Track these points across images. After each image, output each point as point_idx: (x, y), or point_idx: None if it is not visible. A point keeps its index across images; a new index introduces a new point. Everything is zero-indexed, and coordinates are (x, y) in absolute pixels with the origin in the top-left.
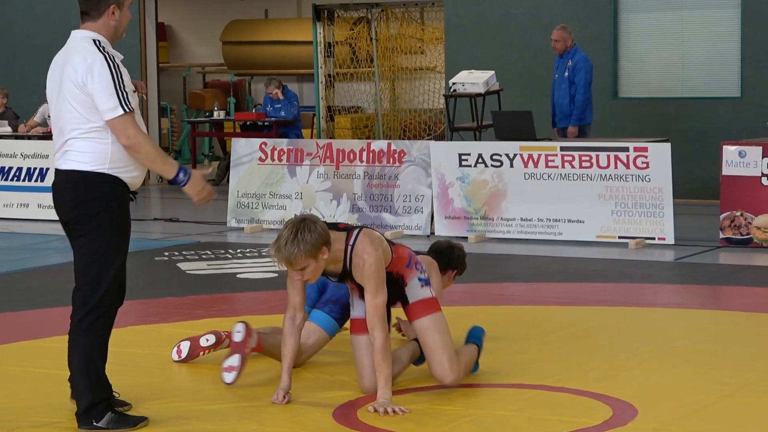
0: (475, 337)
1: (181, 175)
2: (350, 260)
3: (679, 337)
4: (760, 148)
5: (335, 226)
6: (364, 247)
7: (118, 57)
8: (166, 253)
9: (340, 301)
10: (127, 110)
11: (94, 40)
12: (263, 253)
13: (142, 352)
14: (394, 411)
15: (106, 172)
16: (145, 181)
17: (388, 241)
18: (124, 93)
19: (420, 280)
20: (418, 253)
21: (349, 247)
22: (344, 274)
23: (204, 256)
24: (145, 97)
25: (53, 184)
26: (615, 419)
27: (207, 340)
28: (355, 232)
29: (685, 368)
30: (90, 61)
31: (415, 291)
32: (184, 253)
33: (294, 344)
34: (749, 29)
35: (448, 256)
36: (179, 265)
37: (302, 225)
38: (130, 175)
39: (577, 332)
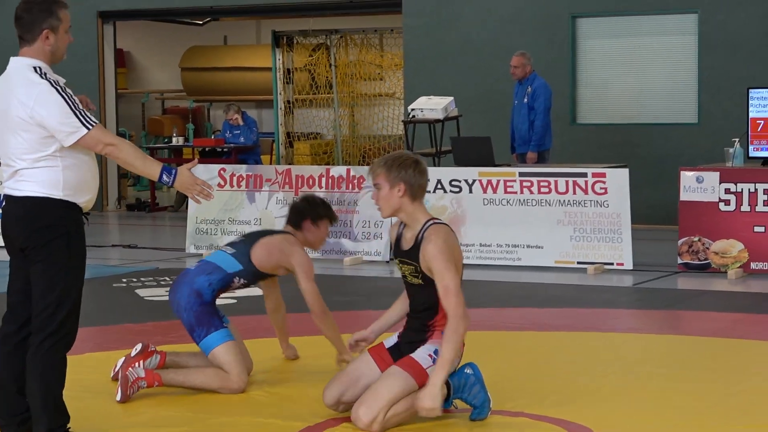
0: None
1: (165, 176)
2: (422, 236)
3: (638, 362)
4: (718, 173)
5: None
6: (437, 231)
7: (61, 81)
8: (125, 280)
9: None
10: (91, 126)
11: (35, 67)
12: None
13: (101, 379)
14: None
15: (60, 198)
16: (103, 206)
17: None
18: (81, 111)
19: (435, 352)
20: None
21: (428, 223)
22: (415, 247)
23: (162, 282)
24: (94, 108)
25: (4, 211)
26: None
27: (135, 349)
28: (439, 220)
29: (644, 393)
30: (36, 92)
31: (424, 352)
32: (142, 279)
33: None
34: (706, 56)
35: (311, 208)
36: (138, 291)
37: (404, 157)
38: (84, 199)
39: (536, 357)
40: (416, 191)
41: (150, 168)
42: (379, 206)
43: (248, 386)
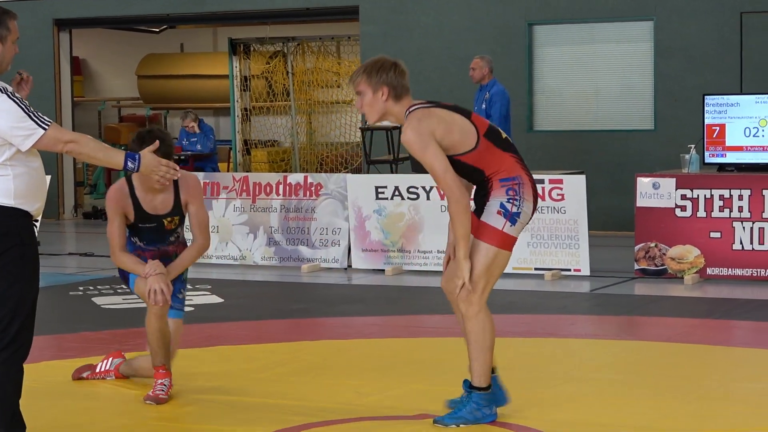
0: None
1: (129, 164)
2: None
3: (595, 368)
4: (674, 179)
5: (444, 104)
6: (409, 119)
7: (9, 88)
8: (81, 288)
9: None
10: (47, 126)
11: None
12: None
13: (58, 388)
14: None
15: (12, 206)
16: (59, 214)
17: (498, 141)
18: (34, 114)
19: (502, 206)
20: None
21: (406, 113)
22: None
23: (119, 291)
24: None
25: None
26: None
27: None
28: (418, 104)
29: (602, 399)
30: None
31: (491, 211)
32: (99, 287)
33: None
34: (661, 63)
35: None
36: (94, 299)
37: (382, 61)
38: (35, 206)
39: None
40: (400, 92)
41: (114, 158)
42: (364, 112)
43: (209, 393)
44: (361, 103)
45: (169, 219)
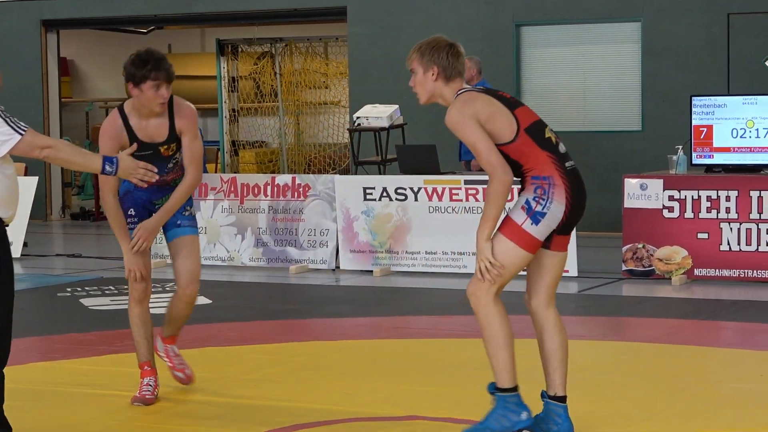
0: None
1: (107, 167)
2: None
3: (583, 369)
4: (661, 180)
5: (494, 92)
6: (453, 104)
7: None
8: (69, 289)
9: None
10: (23, 131)
11: None
12: (167, 288)
13: (45, 389)
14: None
15: None
16: (47, 215)
17: (539, 138)
18: (11, 119)
19: (527, 202)
20: None
21: (455, 96)
22: None
23: (107, 292)
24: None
25: None
26: None
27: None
28: (467, 88)
29: (589, 399)
30: None
31: (516, 206)
32: (86, 288)
33: None
34: (649, 64)
35: (132, 69)
36: (82, 300)
37: (437, 41)
38: (9, 213)
39: (481, 365)
40: (450, 73)
41: (91, 162)
42: (416, 92)
43: (198, 394)
44: (414, 82)
45: (165, 146)
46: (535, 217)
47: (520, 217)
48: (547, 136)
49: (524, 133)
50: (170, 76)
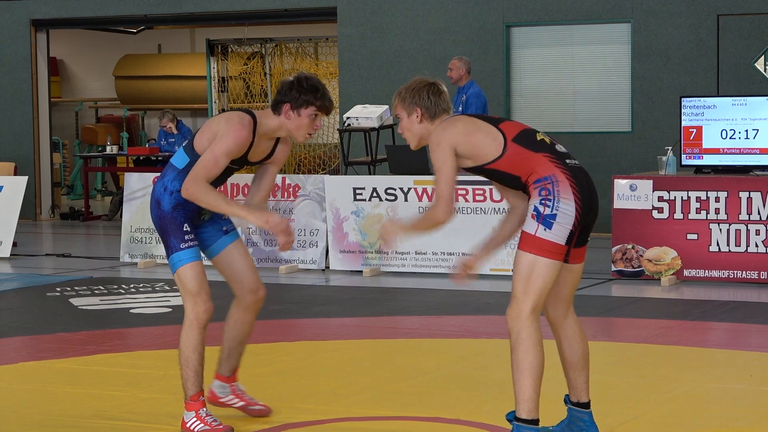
0: None
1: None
2: None
3: None
4: (651, 181)
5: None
6: (436, 128)
7: None
8: (58, 289)
9: None
10: None
11: None
12: (156, 288)
13: (34, 388)
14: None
15: None
16: (36, 215)
17: (530, 143)
18: None
19: (535, 209)
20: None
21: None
22: None
23: (97, 292)
24: None
25: None
26: None
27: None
28: (447, 116)
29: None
30: None
31: (528, 217)
32: (76, 288)
33: None
34: (639, 65)
35: (294, 92)
36: (72, 300)
37: (416, 82)
38: None
39: (471, 364)
40: (435, 112)
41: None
42: (405, 138)
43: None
44: (401, 128)
45: (248, 166)
46: (546, 222)
47: (532, 227)
48: (539, 138)
49: (512, 143)
50: (329, 110)
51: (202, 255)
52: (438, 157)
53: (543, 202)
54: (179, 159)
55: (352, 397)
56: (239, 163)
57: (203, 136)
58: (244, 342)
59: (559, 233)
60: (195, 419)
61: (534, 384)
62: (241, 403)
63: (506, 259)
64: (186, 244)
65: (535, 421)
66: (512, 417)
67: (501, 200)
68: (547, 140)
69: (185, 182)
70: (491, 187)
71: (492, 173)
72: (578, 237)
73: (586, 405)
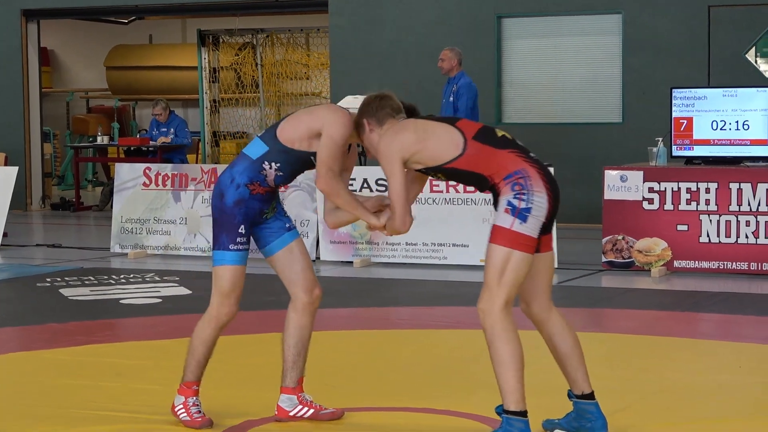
0: None
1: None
2: None
3: None
4: (641, 172)
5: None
6: (384, 133)
7: None
8: (49, 279)
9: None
10: None
11: None
12: (147, 279)
13: (24, 380)
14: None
15: None
16: (27, 206)
17: (492, 140)
18: None
19: (509, 203)
20: None
21: None
22: None
23: (87, 282)
24: None
25: None
26: None
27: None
28: (396, 118)
29: (565, 391)
30: None
31: (499, 211)
32: (66, 279)
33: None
34: (630, 56)
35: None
36: (62, 291)
37: (364, 100)
38: None
39: (462, 355)
40: (381, 118)
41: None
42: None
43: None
44: (363, 146)
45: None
46: (522, 215)
47: (507, 221)
48: (500, 135)
49: (473, 141)
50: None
51: (259, 252)
52: (386, 170)
53: (517, 196)
54: (255, 148)
55: (341, 388)
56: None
57: (291, 127)
58: (307, 348)
59: (533, 226)
60: (182, 407)
61: (516, 375)
62: (312, 411)
63: None
64: (236, 246)
65: (524, 413)
66: (501, 410)
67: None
68: (509, 136)
69: (321, 176)
70: None
71: (451, 172)
72: (545, 226)
73: (591, 396)
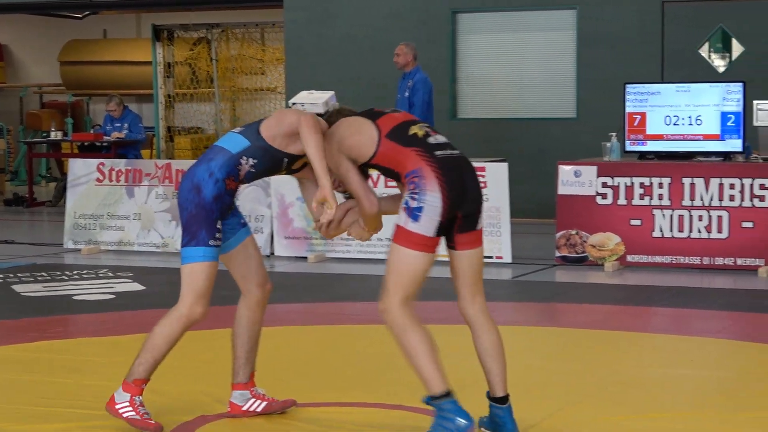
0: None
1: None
2: None
3: (515, 354)
4: (595, 167)
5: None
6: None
7: None
8: (1, 275)
9: None
10: None
11: None
12: (100, 275)
13: None
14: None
15: None
16: None
17: (402, 138)
18: None
19: (405, 202)
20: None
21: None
22: None
23: (40, 278)
24: None
25: None
26: None
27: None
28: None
29: (521, 384)
30: None
31: (401, 210)
32: (19, 275)
33: None
34: (584, 51)
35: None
36: (14, 287)
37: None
38: None
39: None
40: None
41: None
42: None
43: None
44: None
45: (292, 171)
46: (413, 214)
47: (402, 219)
48: (411, 133)
49: (385, 139)
50: None
51: None
52: (334, 164)
53: (411, 195)
54: (234, 143)
55: (295, 383)
56: (294, 162)
57: (276, 122)
58: (258, 343)
59: (426, 225)
60: (127, 404)
61: (430, 361)
62: (264, 404)
63: None
64: (214, 242)
65: (448, 393)
66: (428, 399)
67: None
68: (420, 133)
69: (306, 119)
70: None
71: (376, 168)
72: (461, 224)
73: (502, 400)
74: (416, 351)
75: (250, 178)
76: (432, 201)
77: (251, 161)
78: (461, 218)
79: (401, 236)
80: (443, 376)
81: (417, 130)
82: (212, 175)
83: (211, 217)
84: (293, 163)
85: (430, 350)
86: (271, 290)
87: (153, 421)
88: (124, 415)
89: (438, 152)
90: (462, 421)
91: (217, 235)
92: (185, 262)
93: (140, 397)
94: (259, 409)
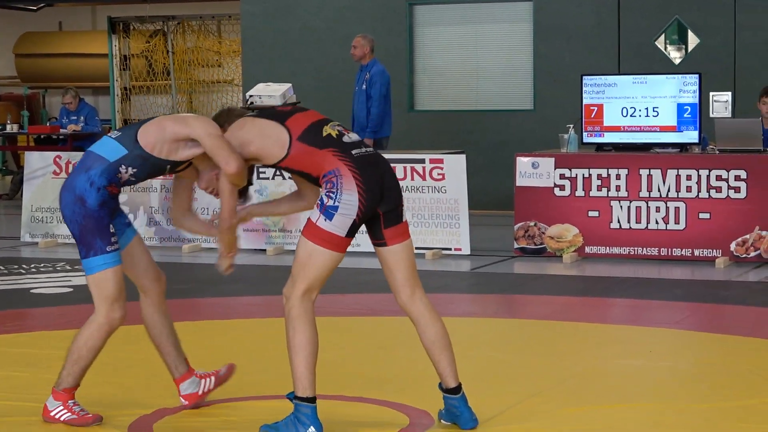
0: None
1: None
2: None
3: (474, 346)
4: (553, 159)
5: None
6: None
7: None
8: None
9: None
10: None
11: None
12: (57, 268)
13: None
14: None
15: None
16: None
17: (316, 140)
18: None
19: (320, 199)
20: None
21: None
22: None
23: None
24: None
25: None
26: (412, 427)
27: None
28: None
29: (480, 377)
30: None
31: (315, 206)
32: None
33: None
34: (541, 44)
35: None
36: None
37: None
38: None
39: (374, 343)
40: (221, 124)
41: None
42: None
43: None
44: None
45: (173, 172)
46: (328, 212)
47: (315, 215)
48: (325, 134)
49: (297, 142)
50: None
51: None
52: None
53: (327, 193)
54: (110, 150)
55: (254, 376)
56: (178, 166)
57: (155, 130)
58: (175, 331)
59: (339, 224)
60: (62, 408)
61: (305, 362)
62: (213, 378)
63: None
64: (112, 247)
65: (311, 399)
66: (292, 396)
67: (404, 178)
68: (334, 133)
69: (231, 159)
70: (394, 165)
71: (287, 170)
72: (385, 220)
73: (455, 390)
74: (299, 348)
75: (132, 183)
76: (348, 201)
77: (131, 170)
78: (383, 214)
79: (311, 232)
80: (313, 382)
81: (330, 130)
82: (93, 185)
83: (103, 224)
84: (177, 167)
85: (311, 354)
86: (165, 281)
87: (90, 414)
88: (61, 419)
89: (354, 151)
90: (312, 430)
91: (113, 239)
92: (89, 273)
93: (73, 400)
94: (212, 386)
